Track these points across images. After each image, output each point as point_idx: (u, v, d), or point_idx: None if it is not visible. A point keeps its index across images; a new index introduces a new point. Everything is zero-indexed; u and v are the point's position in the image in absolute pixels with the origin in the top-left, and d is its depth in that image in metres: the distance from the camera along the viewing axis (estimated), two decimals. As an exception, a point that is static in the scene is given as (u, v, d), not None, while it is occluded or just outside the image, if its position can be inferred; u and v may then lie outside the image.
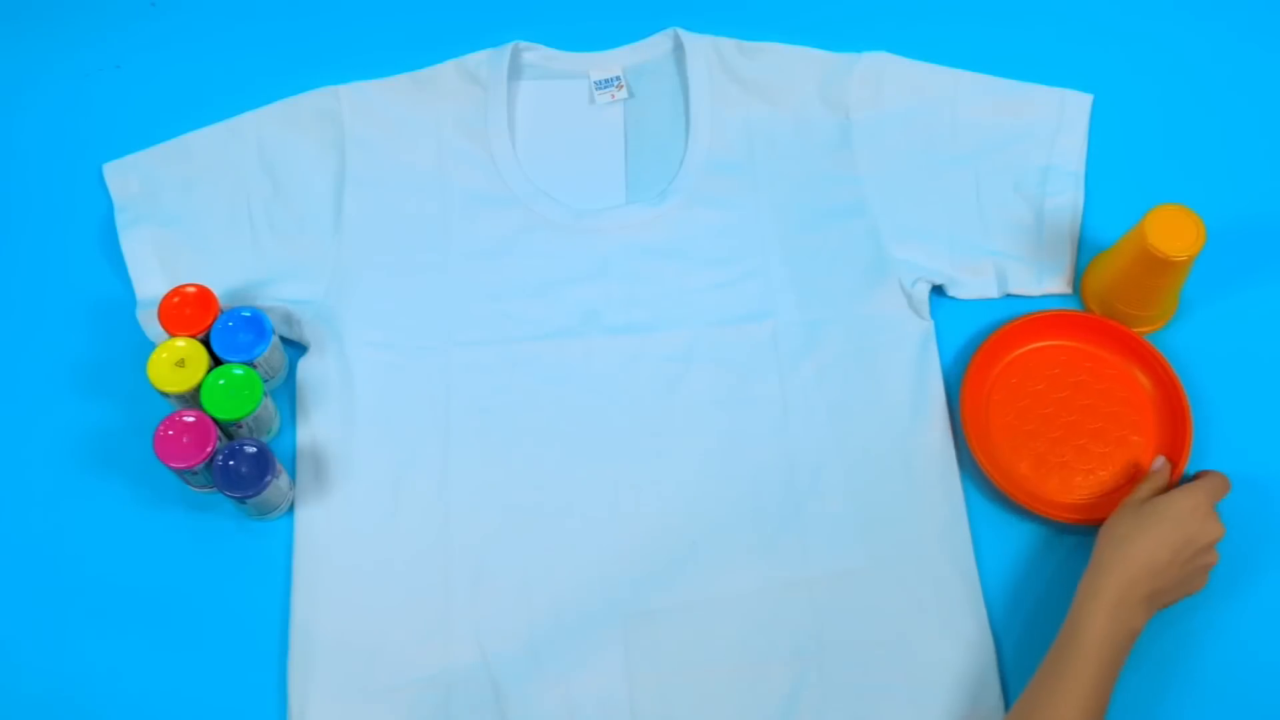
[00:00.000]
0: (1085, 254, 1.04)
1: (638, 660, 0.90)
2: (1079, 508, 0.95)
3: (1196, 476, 0.91)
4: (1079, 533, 0.95)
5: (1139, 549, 0.84)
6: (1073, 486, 0.96)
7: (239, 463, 0.91)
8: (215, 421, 0.93)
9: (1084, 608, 0.83)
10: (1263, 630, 0.92)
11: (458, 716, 0.88)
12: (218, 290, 0.98)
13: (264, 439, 0.97)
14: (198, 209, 1.05)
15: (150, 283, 1.03)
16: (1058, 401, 0.99)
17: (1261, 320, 1.02)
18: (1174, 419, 0.96)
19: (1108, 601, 0.83)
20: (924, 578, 0.92)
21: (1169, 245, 0.92)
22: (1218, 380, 1.00)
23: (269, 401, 0.96)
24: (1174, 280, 0.97)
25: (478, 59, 1.10)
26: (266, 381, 0.98)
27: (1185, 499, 0.87)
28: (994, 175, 1.06)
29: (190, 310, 0.96)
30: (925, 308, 1.01)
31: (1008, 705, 0.89)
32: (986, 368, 0.99)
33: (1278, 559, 0.94)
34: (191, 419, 0.92)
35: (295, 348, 1.02)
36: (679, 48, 1.11)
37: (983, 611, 0.91)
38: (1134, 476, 0.96)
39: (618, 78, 1.11)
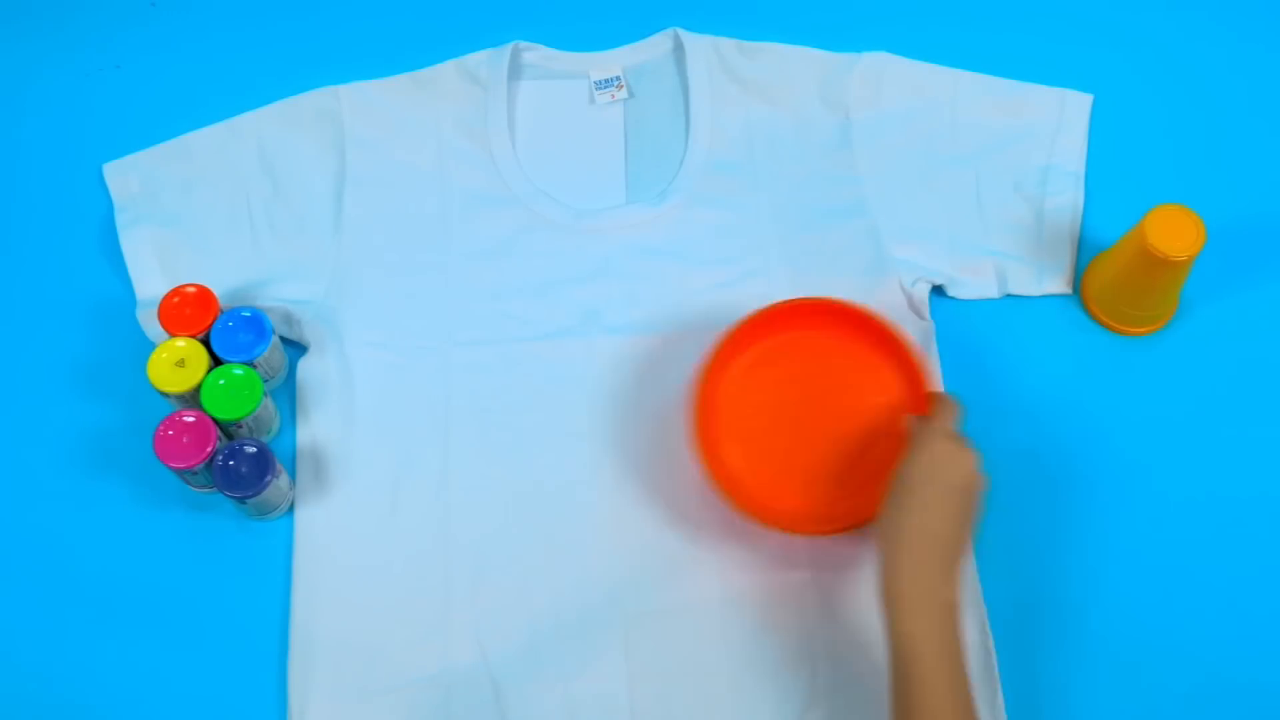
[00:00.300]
0: (1085, 254, 1.04)
1: (638, 660, 0.90)
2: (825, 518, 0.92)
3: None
4: (1077, 532, 0.95)
5: (913, 533, 0.80)
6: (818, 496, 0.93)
7: (239, 463, 0.91)
8: (215, 421, 0.93)
9: (896, 619, 0.78)
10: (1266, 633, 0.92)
11: (458, 716, 0.88)
12: (218, 290, 0.98)
13: (264, 439, 0.97)
14: (198, 209, 1.05)
15: (150, 283, 1.03)
16: (795, 400, 0.95)
17: (1262, 320, 1.02)
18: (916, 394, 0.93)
19: (913, 602, 0.78)
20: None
21: (1169, 245, 0.92)
22: (1218, 380, 1.00)
23: (269, 401, 0.96)
24: (1174, 280, 0.97)
25: (478, 59, 1.10)
26: (266, 381, 0.98)
27: (924, 452, 0.83)
28: (994, 175, 1.06)
29: (190, 310, 0.96)
30: (925, 308, 1.01)
31: (1008, 705, 0.89)
32: (718, 374, 0.94)
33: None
34: (191, 419, 0.92)
35: (295, 348, 1.02)
36: (679, 48, 1.11)
37: (983, 612, 0.91)
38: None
39: (618, 78, 1.11)
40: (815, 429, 0.95)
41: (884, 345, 0.95)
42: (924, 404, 0.91)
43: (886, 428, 0.93)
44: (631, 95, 1.11)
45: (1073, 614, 0.92)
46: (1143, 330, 1.01)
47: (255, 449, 0.91)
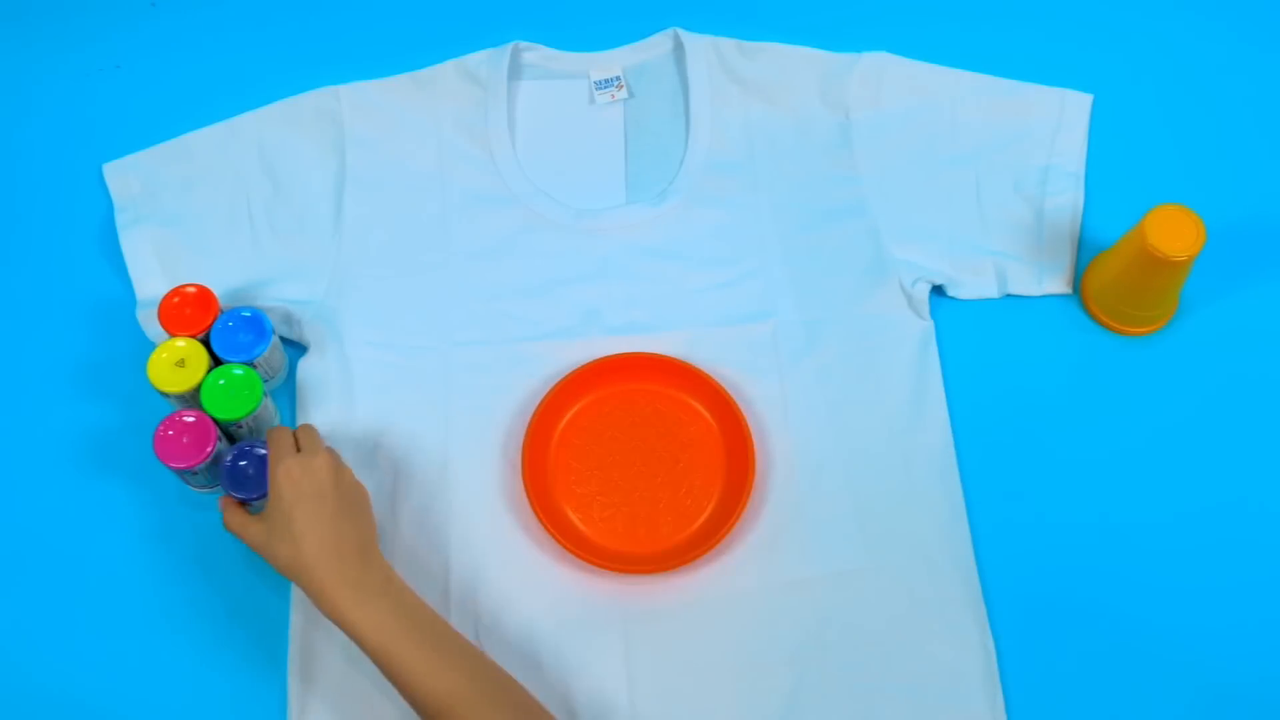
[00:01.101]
0: (1085, 254, 1.04)
1: (638, 660, 0.90)
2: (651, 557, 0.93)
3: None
4: (1077, 531, 0.95)
5: (316, 554, 0.81)
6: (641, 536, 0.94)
7: (249, 464, 0.91)
8: (215, 422, 0.93)
9: (348, 625, 0.79)
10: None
11: (458, 716, 0.89)
12: (218, 290, 0.98)
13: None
14: (198, 209, 1.05)
15: (150, 283, 1.03)
16: (625, 449, 0.97)
17: (1262, 320, 1.02)
18: (739, 461, 0.95)
19: (354, 609, 0.80)
20: (924, 578, 0.92)
21: (1169, 245, 0.92)
22: (1218, 380, 1.00)
23: (269, 401, 0.96)
24: (1174, 280, 0.97)
25: (478, 59, 1.10)
26: (266, 381, 0.98)
27: (280, 479, 0.83)
28: (994, 175, 1.06)
29: (190, 310, 0.96)
30: (925, 308, 1.01)
31: (1008, 705, 0.89)
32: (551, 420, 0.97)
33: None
34: (191, 419, 0.92)
35: (295, 348, 1.02)
36: (679, 48, 1.11)
37: (983, 611, 0.91)
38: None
39: (618, 78, 1.11)
40: (645, 472, 0.96)
41: (690, 382, 0.97)
42: (739, 426, 0.94)
43: (700, 447, 0.96)
44: (631, 95, 1.11)
45: (1073, 614, 0.92)
46: (1143, 330, 1.01)
47: (264, 451, 0.91)
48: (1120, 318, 1.00)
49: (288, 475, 0.84)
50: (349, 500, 0.85)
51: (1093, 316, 1.02)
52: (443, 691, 0.78)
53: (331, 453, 0.87)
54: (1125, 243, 0.97)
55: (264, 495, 0.90)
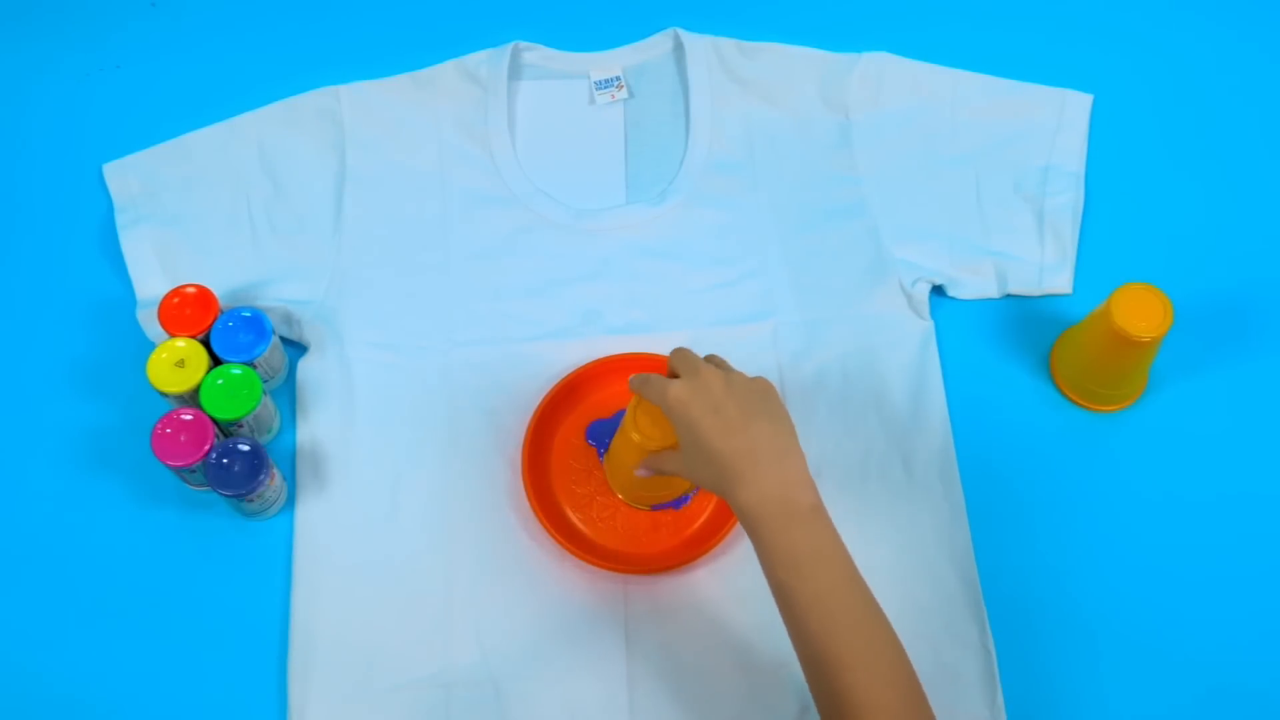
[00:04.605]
0: (1085, 253, 1.04)
1: (638, 660, 0.90)
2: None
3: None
4: (1077, 531, 0.95)
5: (759, 452, 0.77)
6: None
7: (233, 461, 0.91)
8: (215, 422, 0.93)
9: (775, 535, 0.75)
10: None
11: (458, 716, 0.88)
12: (218, 290, 0.98)
13: (264, 439, 0.97)
14: (198, 209, 1.05)
15: (150, 283, 1.03)
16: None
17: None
18: None
19: (784, 518, 0.76)
20: (924, 578, 0.92)
21: (1135, 326, 0.90)
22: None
23: (269, 401, 0.96)
24: (1142, 359, 0.95)
25: (478, 59, 1.10)
26: (266, 381, 0.97)
27: (698, 383, 0.79)
28: (994, 175, 1.06)
29: (190, 310, 0.96)
30: (925, 308, 1.01)
31: (1008, 705, 0.89)
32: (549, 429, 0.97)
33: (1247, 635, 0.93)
34: (189, 417, 0.92)
35: (295, 348, 1.02)
36: (679, 48, 1.11)
37: (983, 612, 0.91)
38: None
39: (618, 78, 1.11)
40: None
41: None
42: None
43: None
44: (631, 95, 1.11)
45: (1073, 614, 0.92)
46: (1111, 408, 0.99)
47: (249, 447, 0.91)
48: (1089, 396, 0.98)
49: (678, 401, 0.79)
50: (751, 402, 0.79)
51: (1063, 394, 1.00)
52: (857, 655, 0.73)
53: (714, 362, 0.83)
54: (1092, 321, 0.95)
55: (251, 492, 0.90)
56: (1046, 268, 1.03)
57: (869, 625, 0.75)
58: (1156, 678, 0.90)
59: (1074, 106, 1.08)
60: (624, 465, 0.89)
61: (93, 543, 0.96)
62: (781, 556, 0.75)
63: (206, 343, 0.96)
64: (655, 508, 0.94)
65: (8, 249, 1.07)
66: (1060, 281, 1.03)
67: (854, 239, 1.03)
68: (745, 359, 0.98)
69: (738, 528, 0.92)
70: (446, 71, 1.10)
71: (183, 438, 0.91)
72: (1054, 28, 1.15)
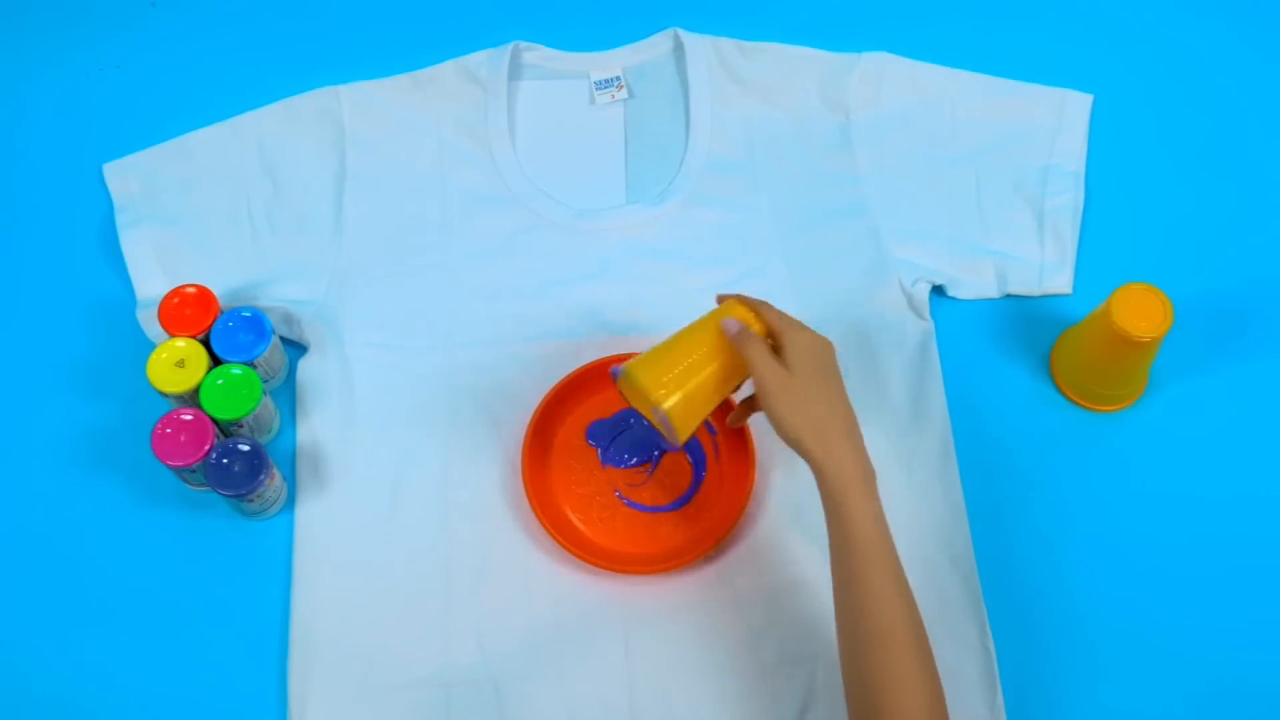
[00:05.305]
0: (1085, 253, 1.04)
1: (638, 660, 0.90)
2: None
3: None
4: (1077, 530, 0.95)
5: (821, 423, 0.79)
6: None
7: (232, 461, 0.91)
8: (215, 422, 0.93)
9: (857, 505, 0.77)
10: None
11: (458, 716, 0.88)
12: (218, 290, 0.98)
13: (264, 439, 0.97)
14: (198, 209, 1.05)
15: (150, 283, 1.03)
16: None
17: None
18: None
19: (863, 485, 0.78)
20: (923, 578, 0.91)
21: (1135, 326, 0.91)
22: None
23: (269, 401, 0.96)
24: (1142, 359, 0.95)
25: (478, 59, 1.10)
26: (266, 381, 0.97)
27: (800, 344, 0.81)
28: (994, 175, 1.06)
29: (190, 310, 0.96)
30: (925, 308, 1.01)
31: (1008, 706, 0.89)
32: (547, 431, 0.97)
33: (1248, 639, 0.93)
34: (189, 417, 0.92)
35: (295, 348, 1.02)
36: (679, 48, 1.11)
37: (982, 612, 0.91)
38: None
39: (618, 78, 1.11)
40: (645, 472, 0.97)
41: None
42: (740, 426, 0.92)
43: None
44: (631, 95, 1.11)
45: (1072, 614, 0.92)
46: (1112, 408, 0.99)
47: (248, 447, 0.91)
48: (1090, 396, 0.98)
49: (807, 348, 0.81)
50: (840, 384, 0.82)
51: (1063, 394, 1.00)
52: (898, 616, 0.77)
53: (813, 336, 0.83)
54: (1092, 321, 0.95)
55: (250, 492, 0.90)
56: (1046, 268, 1.03)
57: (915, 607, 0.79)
58: (1156, 678, 0.90)
59: (1074, 106, 1.08)
60: (695, 367, 0.85)
61: (93, 543, 0.96)
62: (873, 519, 0.78)
63: (206, 343, 0.96)
64: (672, 449, 0.92)
65: (8, 249, 1.07)
66: (1060, 281, 1.03)
67: (854, 239, 1.03)
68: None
69: (738, 528, 0.93)
70: (446, 71, 1.10)
71: (183, 438, 0.91)
72: (1054, 28, 1.15)
